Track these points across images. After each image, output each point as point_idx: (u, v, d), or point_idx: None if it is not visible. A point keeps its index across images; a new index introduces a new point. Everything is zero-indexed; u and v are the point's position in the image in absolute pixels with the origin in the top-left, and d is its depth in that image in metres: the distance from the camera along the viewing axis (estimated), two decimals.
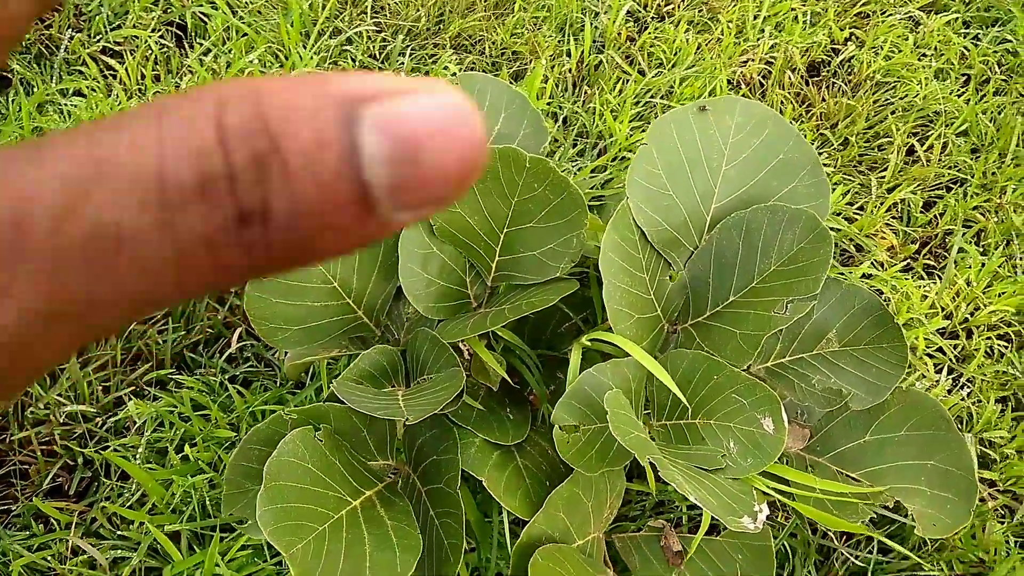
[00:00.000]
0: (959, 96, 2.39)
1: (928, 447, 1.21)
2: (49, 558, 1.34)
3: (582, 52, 2.22)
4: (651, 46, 2.29)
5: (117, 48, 2.11)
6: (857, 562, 1.48)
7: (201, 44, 2.12)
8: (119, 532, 1.39)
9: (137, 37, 2.11)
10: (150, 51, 2.09)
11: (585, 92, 2.18)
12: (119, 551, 1.37)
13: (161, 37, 2.13)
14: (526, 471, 1.21)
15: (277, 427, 1.16)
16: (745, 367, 1.18)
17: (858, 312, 1.23)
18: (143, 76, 2.05)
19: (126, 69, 2.03)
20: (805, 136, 2.18)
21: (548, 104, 2.13)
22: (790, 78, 2.32)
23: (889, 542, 1.53)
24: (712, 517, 1.16)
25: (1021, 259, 2.07)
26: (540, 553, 1.06)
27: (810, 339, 1.26)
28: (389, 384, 1.26)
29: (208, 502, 1.38)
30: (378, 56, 2.17)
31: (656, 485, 1.37)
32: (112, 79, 2.04)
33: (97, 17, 2.10)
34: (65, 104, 1.95)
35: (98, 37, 2.10)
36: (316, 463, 1.08)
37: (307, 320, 1.32)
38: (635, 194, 1.22)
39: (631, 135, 2.05)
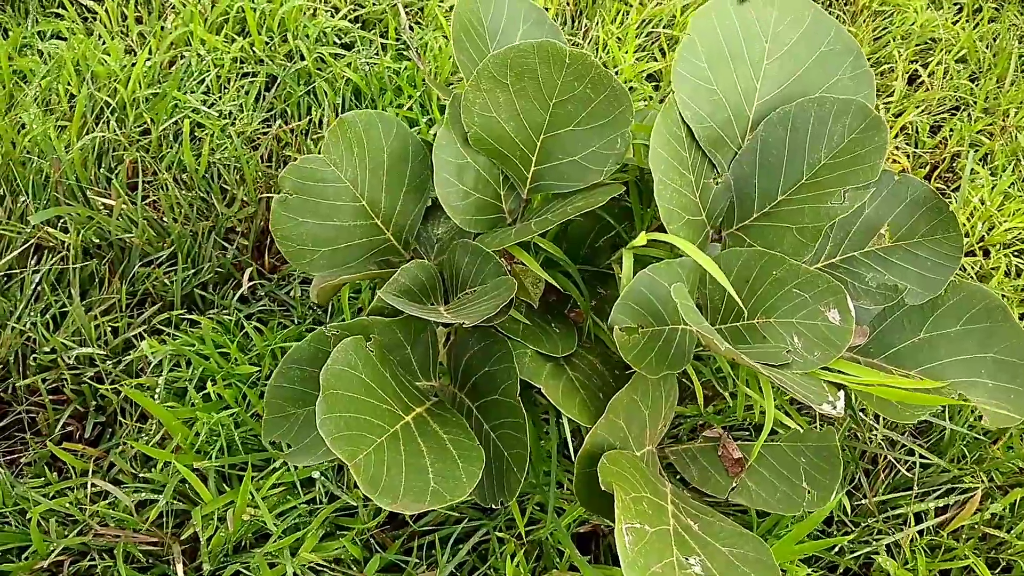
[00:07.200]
0: (954, 24, 2.38)
1: (987, 339, 1.18)
2: (68, 505, 1.26)
3: None
4: None
5: None
6: (905, 472, 1.47)
7: None
8: (141, 475, 1.31)
9: None
10: None
11: (585, 25, 2.12)
12: (142, 494, 1.29)
13: None
14: (578, 383, 1.16)
15: (320, 344, 1.09)
16: (803, 262, 1.13)
17: (911, 203, 1.19)
18: (124, 16, 1.94)
19: (106, 10, 1.92)
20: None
21: None
22: None
23: (929, 455, 1.51)
24: (772, 421, 1.13)
25: None
26: (607, 457, 1.01)
27: (861, 236, 1.22)
28: (428, 301, 1.19)
29: (237, 439, 1.31)
30: None
31: (703, 407, 1.34)
32: (93, 20, 1.93)
33: None
34: (44, 47, 1.84)
35: None
36: (369, 374, 1.02)
37: (335, 241, 1.25)
38: (681, 88, 1.17)
39: (635, 64, 2.00)
